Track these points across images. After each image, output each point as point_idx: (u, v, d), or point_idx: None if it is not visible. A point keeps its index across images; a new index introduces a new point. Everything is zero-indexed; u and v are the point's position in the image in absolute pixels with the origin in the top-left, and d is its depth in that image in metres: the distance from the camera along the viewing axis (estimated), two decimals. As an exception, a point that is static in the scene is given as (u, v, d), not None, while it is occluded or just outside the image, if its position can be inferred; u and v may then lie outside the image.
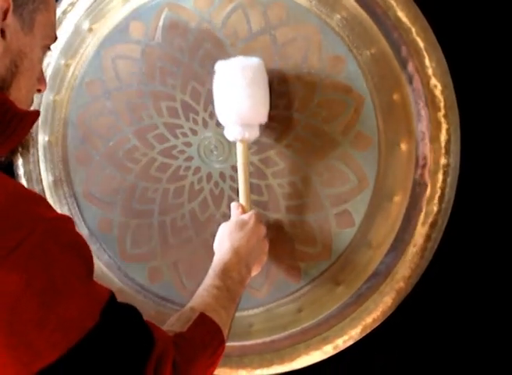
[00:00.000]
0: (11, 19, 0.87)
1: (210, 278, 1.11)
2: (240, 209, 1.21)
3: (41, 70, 0.99)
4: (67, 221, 0.83)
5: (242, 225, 1.18)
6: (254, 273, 1.19)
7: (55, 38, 0.99)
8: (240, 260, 1.14)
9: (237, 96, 1.18)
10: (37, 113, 0.95)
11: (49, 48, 0.98)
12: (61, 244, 0.79)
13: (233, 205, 1.23)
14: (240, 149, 1.21)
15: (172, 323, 1.01)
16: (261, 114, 1.21)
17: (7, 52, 0.88)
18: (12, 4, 0.87)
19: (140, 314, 0.88)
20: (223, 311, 1.06)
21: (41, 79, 1.00)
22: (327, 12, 1.21)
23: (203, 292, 1.09)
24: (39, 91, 1.01)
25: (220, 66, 1.21)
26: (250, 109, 1.18)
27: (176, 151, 1.31)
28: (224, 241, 1.17)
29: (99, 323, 0.80)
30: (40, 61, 0.97)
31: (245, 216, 1.20)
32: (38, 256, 0.76)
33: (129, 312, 0.87)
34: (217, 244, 1.19)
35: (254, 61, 1.20)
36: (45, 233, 0.77)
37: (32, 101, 0.99)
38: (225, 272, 1.12)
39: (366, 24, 1.20)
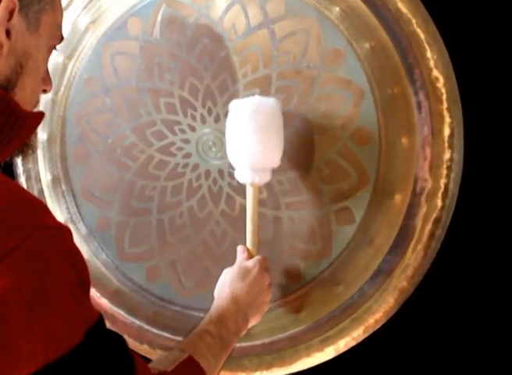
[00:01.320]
0: (16, 19, 0.86)
1: (205, 323, 1.09)
2: (246, 254, 1.18)
3: (47, 70, 0.98)
4: (66, 231, 0.80)
5: (245, 273, 1.15)
6: (252, 323, 1.16)
7: (61, 39, 0.98)
8: (237, 310, 1.12)
9: (248, 140, 1.14)
10: (41, 115, 0.93)
11: (55, 48, 0.97)
12: (57, 251, 0.76)
13: (239, 248, 1.20)
14: (249, 192, 1.18)
15: (159, 361, 0.99)
16: (273, 159, 1.16)
17: (12, 52, 0.87)
18: (18, 4, 0.86)
19: (125, 343, 0.84)
20: (212, 359, 1.04)
21: (47, 79, 0.98)
22: (326, 4, 1.19)
23: (195, 336, 1.06)
24: (44, 91, 0.99)
25: (234, 106, 1.18)
26: (261, 154, 1.14)
27: (174, 148, 1.29)
28: (225, 287, 1.14)
29: (82, 342, 0.76)
30: (46, 61, 0.95)
31: (250, 263, 1.16)
32: (32, 261, 0.74)
33: (115, 339, 0.83)
34: (217, 290, 1.16)
35: (269, 103, 1.15)
36: (42, 239, 0.75)
37: (37, 102, 0.97)
38: (221, 319, 1.09)
39: (365, 16, 1.18)
